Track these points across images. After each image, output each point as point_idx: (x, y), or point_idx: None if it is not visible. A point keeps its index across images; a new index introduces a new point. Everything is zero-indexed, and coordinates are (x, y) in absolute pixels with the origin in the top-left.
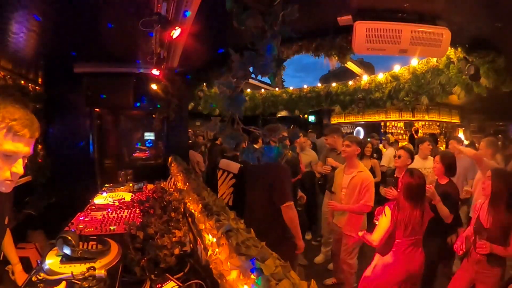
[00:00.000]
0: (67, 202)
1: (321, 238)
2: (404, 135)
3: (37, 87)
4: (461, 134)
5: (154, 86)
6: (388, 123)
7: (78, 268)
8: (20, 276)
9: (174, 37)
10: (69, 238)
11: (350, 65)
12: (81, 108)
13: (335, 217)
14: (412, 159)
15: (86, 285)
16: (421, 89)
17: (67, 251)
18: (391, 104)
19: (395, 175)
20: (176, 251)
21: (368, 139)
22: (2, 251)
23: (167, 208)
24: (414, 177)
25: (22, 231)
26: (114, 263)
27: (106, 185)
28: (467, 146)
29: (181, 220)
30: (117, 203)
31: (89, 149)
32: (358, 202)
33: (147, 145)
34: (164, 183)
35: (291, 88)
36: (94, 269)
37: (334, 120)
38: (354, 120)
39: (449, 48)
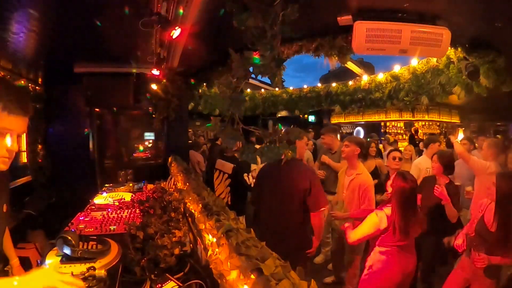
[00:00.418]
0: (67, 202)
1: None
2: (404, 135)
3: (37, 87)
4: (461, 134)
5: (154, 86)
6: (388, 123)
7: (78, 268)
8: (17, 271)
9: (174, 37)
10: (69, 238)
11: (350, 65)
12: (81, 108)
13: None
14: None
15: (86, 285)
16: (421, 89)
17: (67, 251)
18: (391, 104)
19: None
20: (176, 251)
21: (368, 139)
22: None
23: (167, 208)
24: (407, 181)
25: (22, 231)
26: (114, 263)
27: (106, 185)
28: (461, 141)
29: (181, 220)
30: (117, 203)
31: (89, 149)
32: (359, 207)
33: (147, 145)
34: (164, 183)
35: (291, 88)
36: (94, 269)
37: (334, 120)
38: (354, 120)
39: (449, 48)
